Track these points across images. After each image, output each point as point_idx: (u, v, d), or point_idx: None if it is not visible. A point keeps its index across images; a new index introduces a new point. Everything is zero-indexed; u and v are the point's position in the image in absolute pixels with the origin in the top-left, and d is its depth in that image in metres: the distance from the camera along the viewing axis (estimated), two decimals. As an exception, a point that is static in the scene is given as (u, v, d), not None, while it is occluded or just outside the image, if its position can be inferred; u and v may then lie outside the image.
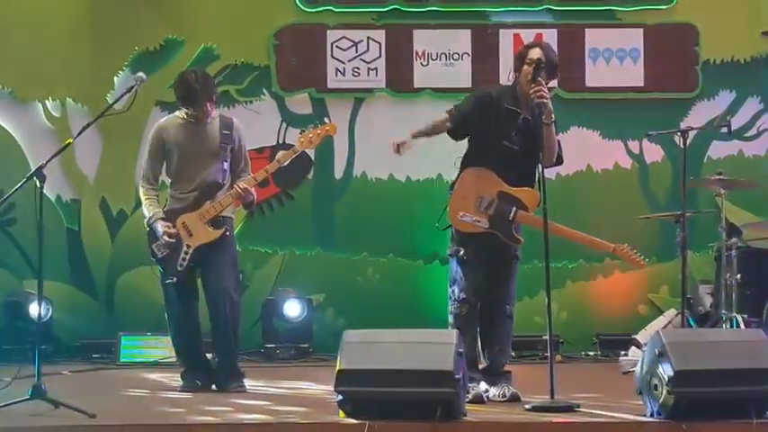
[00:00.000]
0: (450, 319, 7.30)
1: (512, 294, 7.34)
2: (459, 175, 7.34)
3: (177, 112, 8.05)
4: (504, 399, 7.06)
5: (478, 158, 7.24)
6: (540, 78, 7.02)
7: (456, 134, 7.34)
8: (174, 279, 7.84)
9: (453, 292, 7.30)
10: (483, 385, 7.13)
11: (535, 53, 7.14)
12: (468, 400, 6.93)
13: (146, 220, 7.89)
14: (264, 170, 7.92)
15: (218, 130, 7.92)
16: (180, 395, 7.82)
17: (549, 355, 6.85)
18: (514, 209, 7.14)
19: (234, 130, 7.95)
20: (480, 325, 7.21)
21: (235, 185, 7.85)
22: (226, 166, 7.91)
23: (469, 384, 7.05)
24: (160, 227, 7.79)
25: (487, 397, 7.08)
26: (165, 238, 7.76)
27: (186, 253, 7.79)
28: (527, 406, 6.87)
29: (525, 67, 7.13)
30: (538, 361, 9.52)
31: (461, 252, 7.24)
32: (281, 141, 10.49)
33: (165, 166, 7.98)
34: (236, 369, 7.99)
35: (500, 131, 7.14)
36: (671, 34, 10.54)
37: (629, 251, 7.30)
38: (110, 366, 9.67)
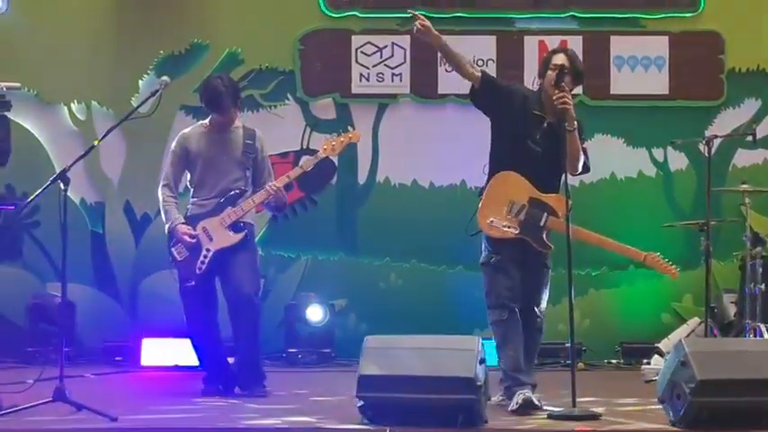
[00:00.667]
0: (493, 327, 7.27)
1: (541, 305, 7.30)
2: (488, 180, 7.32)
3: (200, 122, 8.10)
4: (518, 404, 6.98)
5: (503, 160, 7.21)
6: (563, 84, 7.01)
7: (477, 94, 7.25)
8: (193, 282, 7.86)
9: (490, 300, 7.27)
10: (531, 391, 7.07)
11: (559, 59, 7.15)
12: (516, 407, 6.94)
13: (166, 225, 7.91)
14: (287, 176, 7.95)
15: (242, 139, 7.96)
16: (202, 400, 7.83)
17: (571, 362, 6.84)
18: (546, 215, 7.10)
19: (257, 141, 8.00)
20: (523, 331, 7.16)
21: (266, 186, 7.88)
22: (248, 174, 7.95)
23: (518, 389, 7.04)
24: (182, 231, 7.82)
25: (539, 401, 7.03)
26: (186, 239, 7.79)
27: (206, 257, 7.82)
28: (548, 414, 6.87)
29: (549, 72, 7.14)
30: (560, 368, 9.51)
31: (494, 259, 7.21)
32: (304, 146, 10.50)
33: (187, 174, 8.02)
34: (258, 371, 8.01)
35: (525, 131, 7.12)
36: (696, 42, 10.50)
37: (661, 259, 7.28)
38: (132, 370, 9.68)
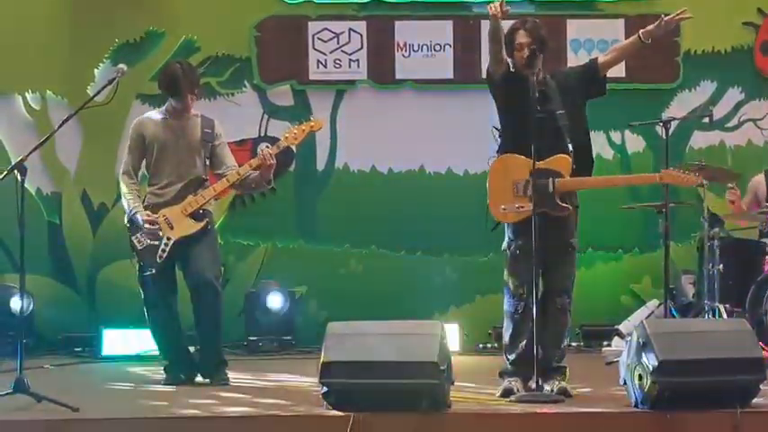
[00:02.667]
0: (505, 315, 7.20)
1: (566, 287, 7.16)
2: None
3: (158, 109, 8.08)
4: (552, 392, 6.93)
5: (516, 137, 7.10)
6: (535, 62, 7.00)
7: (496, 79, 7.16)
8: (153, 271, 7.83)
9: (507, 288, 7.19)
10: (518, 382, 7.03)
11: (521, 36, 7.09)
12: (498, 394, 6.95)
13: (127, 213, 7.87)
14: (248, 164, 7.90)
15: (200, 128, 7.93)
16: (163, 388, 7.81)
17: (534, 346, 6.85)
18: (551, 179, 7.00)
19: (215, 129, 7.97)
20: (536, 317, 6.96)
21: (227, 174, 7.84)
22: (206, 162, 7.91)
23: (510, 378, 7.04)
24: (140, 217, 7.78)
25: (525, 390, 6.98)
26: (147, 226, 7.76)
27: (166, 245, 7.79)
28: (512, 397, 6.89)
29: (517, 53, 7.09)
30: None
31: (513, 246, 7.16)
32: (262, 134, 10.46)
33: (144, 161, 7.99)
34: (220, 359, 8.00)
35: (521, 108, 7.04)
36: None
37: (677, 172, 7.23)
38: (92, 360, 9.62)
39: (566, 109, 7.11)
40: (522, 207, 7.03)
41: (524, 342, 7.06)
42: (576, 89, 7.22)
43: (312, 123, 8.09)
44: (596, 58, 7.38)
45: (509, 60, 7.16)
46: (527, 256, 7.01)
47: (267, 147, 8.06)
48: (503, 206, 7.09)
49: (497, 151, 7.23)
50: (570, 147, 7.08)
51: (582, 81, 7.25)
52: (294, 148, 10.04)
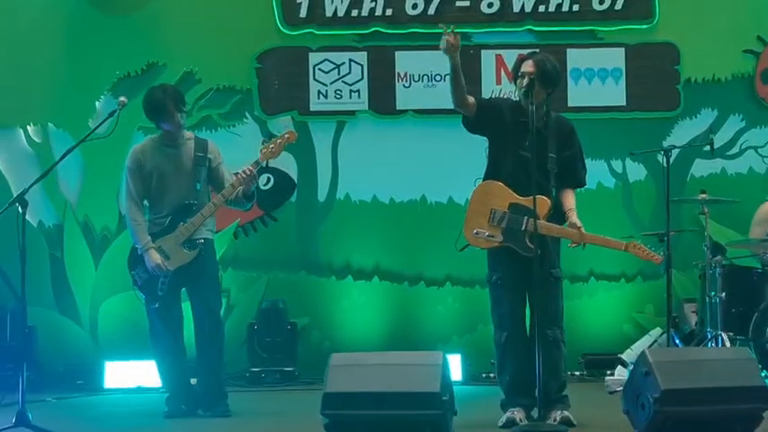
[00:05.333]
0: (495, 346, 7.22)
1: (553, 318, 7.11)
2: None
3: (151, 136, 8.12)
4: (555, 423, 6.94)
5: (498, 171, 7.15)
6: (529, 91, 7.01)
7: (473, 122, 7.19)
8: (157, 305, 7.83)
9: (492, 319, 7.23)
10: (521, 412, 7.03)
11: (527, 66, 7.14)
12: (501, 424, 6.94)
13: (138, 246, 7.85)
14: (231, 185, 7.86)
15: (193, 152, 7.93)
16: (165, 421, 7.79)
17: (537, 375, 6.83)
18: (526, 218, 7.02)
19: (209, 152, 7.98)
20: (528, 351, 6.94)
21: (211, 200, 7.84)
22: (199, 186, 7.90)
23: (512, 409, 7.02)
24: (154, 258, 7.76)
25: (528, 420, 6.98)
26: (155, 267, 7.73)
27: (165, 277, 7.78)
28: (514, 428, 6.87)
29: (518, 80, 7.14)
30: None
31: (494, 277, 7.18)
32: (264, 164, 10.45)
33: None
34: (221, 391, 7.98)
35: (516, 140, 7.08)
36: (652, 53, 10.56)
37: (642, 247, 7.23)
38: (94, 392, 9.60)
39: (557, 156, 7.12)
40: (493, 237, 7.10)
41: (511, 370, 7.08)
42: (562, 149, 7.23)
43: (287, 135, 8.06)
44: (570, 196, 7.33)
45: (515, 89, 7.21)
46: (507, 287, 7.09)
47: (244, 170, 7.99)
48: (475, 230, 7.13)
49: (485, 173, 7.26)
50: (554, 190, 7.09)
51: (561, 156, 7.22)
52: (294, 175, 10.22)
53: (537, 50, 7.48)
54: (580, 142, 7.41)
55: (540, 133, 7.03)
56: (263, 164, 8.06)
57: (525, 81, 7.06)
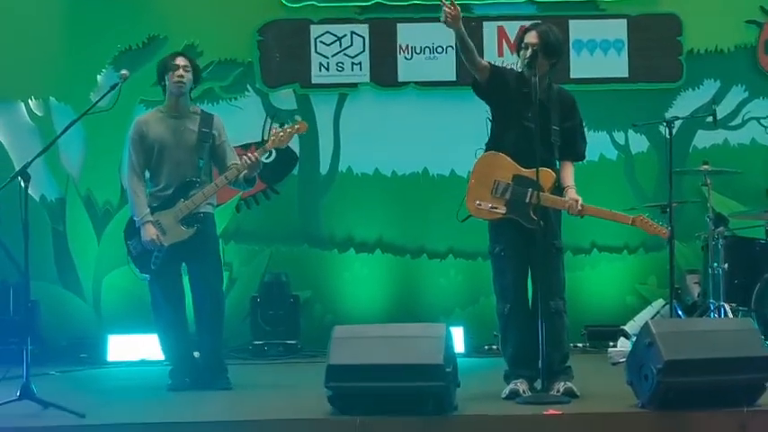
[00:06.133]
0: (497, 318, 7.23)
1: (556, 289, 7.11)
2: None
3: (157, 108, 8.09)
4: (559, 394, 6.94)
5: (501, 141, 7.14)
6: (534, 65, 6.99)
7: (484, 86, 7.16)
8: (148, 277, 7.84)
9: (495, 290, 7.23)
10: (524, 383, 7.04)
11: (529, 37, 7.13)
12: (504, 396, 6.95)
13: (136, 218, 7.85)
14: (236, 167, 7.86)
15: (198, 127, 7.91)
16: (168, 394, 7.80)
17: (540, 346, 6.84)
18: (530, 191, 7.00)
19: (214, 127, 7.95)
20: (531, 322, 6.95)
21: (216, 179, 7.84)
22: (201, 163, 7.88)
23: (515, 381, 7.03)
24: (150, 232, 7.76)
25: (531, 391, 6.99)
26: (150, 241, 7.73)
27: (160, 251, 7.78)
28: (518, 399, 6.88)
29: (521, 51, 7.13)
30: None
31: (497, 249, 7.17)
32: (265, 137, 10.45)
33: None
34: (221, 365, 7.99)
35: (519, 111, 7.07)
36: (654, 24, 10.53)
37: (649, 221, 7.22)
38: (98, 366, 9.62)
39: (559, 128, 7.11)
40: (496, 209, 7.07)
41: (514, 342, 7.08)
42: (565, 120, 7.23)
43: (297, 126, 8.07)
44: (569, 168, 7.30)
45: (518, 60, 7.19)
46: (510, 258, 7.07)
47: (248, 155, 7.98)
48: (478, 201, 7.11)
49: (486, 143, 7.25)
50: (558, 163, 7.08)
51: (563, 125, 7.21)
52: (296, 150, 10.22)
53: (540, 21, 7.46)
54: (581, 116, 7.39)
55: (543, 105, 7.02)
56: (270, 151, 8.05)
57: (528, 52, 7.04)
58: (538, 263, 6.95)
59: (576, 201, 7.07)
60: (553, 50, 7.13)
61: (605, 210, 7.25)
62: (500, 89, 7.15)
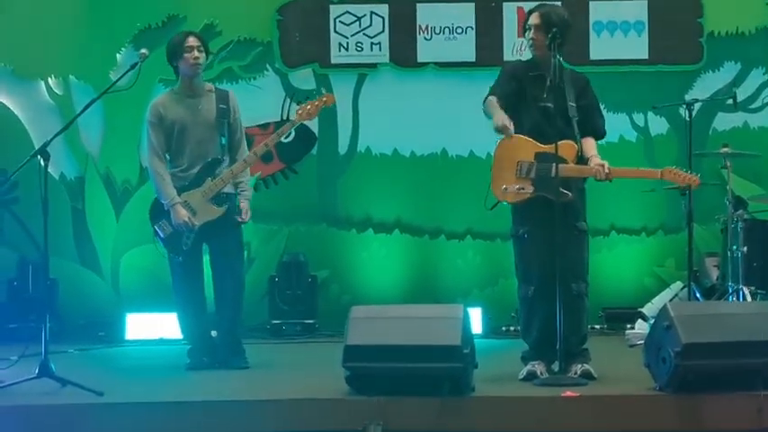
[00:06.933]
0: (519, 300, 7.23)
1: (579, 272, 7.12)
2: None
3: (171, 89, 8.11)
4: (576, 376, 6.96)
5: (521, 125, 7.11)
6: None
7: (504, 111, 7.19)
8: (181, 258, 7.85)
9: (518, 273, 7.22)
10: (541, 365, 7.05)
11: (533, 18, 7.17)
12: (521, 377, 6.95)
13: (164, 201, 7.84)
14: (264, 144, 7.92)
15: (215, 104, 7.92)
16: (187, 373, 7.82)
17: (558, 328, 6.83)
18: (554, 165, 6.96)
19: (230, 103, 7.96)
20: (555, 305, 6.92)
21: (245, 156, 7.87)
22: (224, 141, 7.89)
23: (532, 362, 7.04)
24: (181, 214, 7.76)
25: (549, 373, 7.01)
26: (183, 223, 7.73)
27: (191, 232, 7.79)
28: (535, 381, 6.89)
29: (525, 33, 7.18)
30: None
31: (520, 231, 7.16)
32: (284, 117, 10.45)
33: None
34: (239, 346, 8.01)
35: (533, 95, 7.09)
36: (675, 6, 10.47)
37: (678, 171, 7.21)
38: (116, 344, 9.64)
39: (576, 105, 7.12)
40: (523, 189, 7.05)
41: (539, 325, 7.07)
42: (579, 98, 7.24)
43: (325, 98, 8.10)
44: (592, 143, 7.32)
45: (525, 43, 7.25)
46: (535, 241, 7.05)
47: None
48: (504, 186, 7.09)
49: None
50: (579, 137, 7.07)
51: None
52: (315, 130, 10.21)
53: (545, 3, 7.43)
54: (595, 95, 7.38)
55: (557, 85, 7.01)
56: (297, 125, 8.08)
57: (531, 33, 7.09)
58: (558, 244, 6.92)
59: (603, 165, 7.06)
60: (556, 29, 7.07)
61: (632, 169, 7.33)
62: (515, 94, 7.18)
